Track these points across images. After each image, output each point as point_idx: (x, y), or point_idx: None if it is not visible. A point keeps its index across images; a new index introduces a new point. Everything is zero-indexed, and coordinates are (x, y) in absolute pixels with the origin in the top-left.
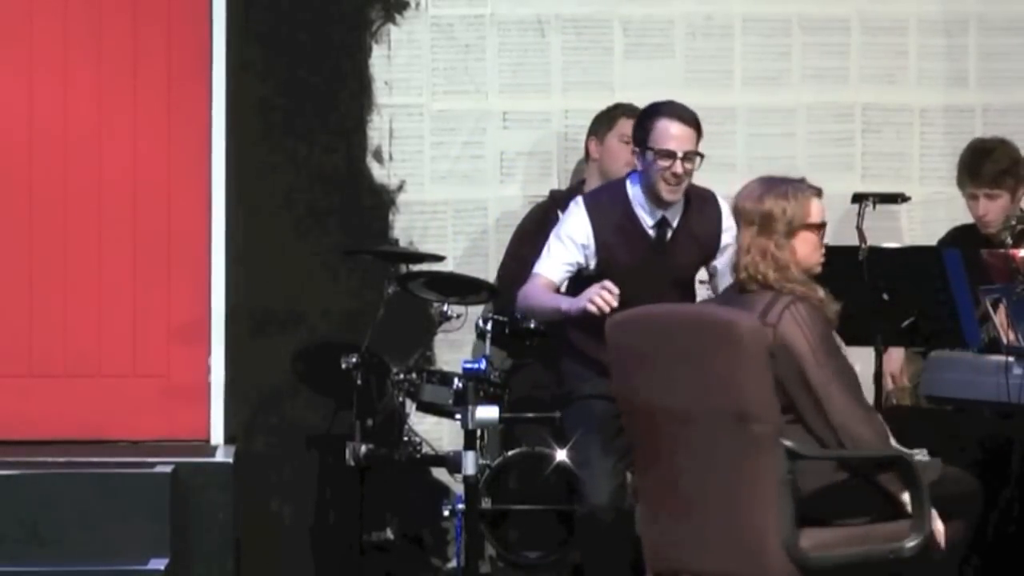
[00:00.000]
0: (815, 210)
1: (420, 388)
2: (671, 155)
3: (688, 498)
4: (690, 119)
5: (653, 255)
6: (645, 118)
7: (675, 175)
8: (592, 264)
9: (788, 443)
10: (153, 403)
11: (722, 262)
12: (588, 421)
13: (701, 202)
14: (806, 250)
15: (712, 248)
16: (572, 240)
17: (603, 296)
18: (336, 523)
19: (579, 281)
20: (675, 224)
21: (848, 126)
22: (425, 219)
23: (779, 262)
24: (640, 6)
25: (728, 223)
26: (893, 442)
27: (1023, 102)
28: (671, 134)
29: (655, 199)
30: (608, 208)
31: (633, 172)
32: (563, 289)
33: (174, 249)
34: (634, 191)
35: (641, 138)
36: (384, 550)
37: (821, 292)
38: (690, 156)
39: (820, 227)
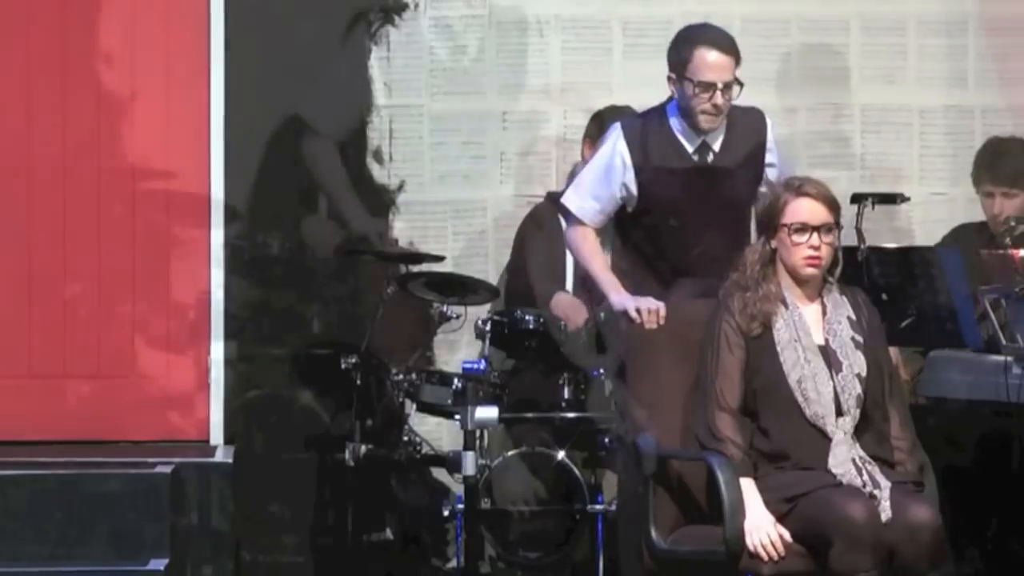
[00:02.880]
0: (790, 211)
1: (420, 388)
2: (710, 86)
3: None
4: (728, 46)
5: (698, 181)
6: (681, 45)
7: (715, 106)
8: (634, 190)
9: (642, 440)
10: (153, 403)
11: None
12: None
13: (744, 120)
14: (782, 250)
15: (759, 165)
16: (610, 176)
17: (652, 313)
18: (336, 523)
19: (624, 217)
20: (717, 147)
21: (848, 126)
22: (425, 219)
23: (764, 258)
24: (639, 6)
25: (772, 140)
26: (729, 448)
27: (1023, 102)
28: (709, 63)
29: (695, 127)
30: (648, 136)
31: (671, 101)
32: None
33: (174, 249)
34: (673, 118)
35: (677, 66)
36: (384, 550)
37: (755, 299)
38: (730, 85)
39: (799, 229)
